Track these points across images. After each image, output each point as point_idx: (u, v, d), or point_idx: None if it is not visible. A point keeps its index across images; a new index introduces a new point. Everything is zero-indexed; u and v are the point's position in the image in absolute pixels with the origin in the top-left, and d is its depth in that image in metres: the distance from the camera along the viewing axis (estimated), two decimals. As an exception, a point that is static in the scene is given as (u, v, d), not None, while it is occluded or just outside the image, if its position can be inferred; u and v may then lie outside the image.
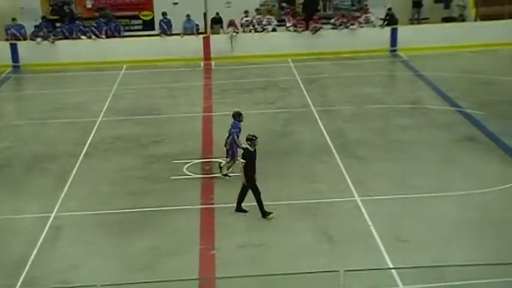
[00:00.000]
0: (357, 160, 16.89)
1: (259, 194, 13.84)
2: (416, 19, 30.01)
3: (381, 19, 28.29)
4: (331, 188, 15.34)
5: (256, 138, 14.03)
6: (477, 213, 13.86)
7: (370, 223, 13.61)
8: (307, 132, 19.00)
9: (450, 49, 27.38)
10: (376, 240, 12.95)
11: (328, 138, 18.36)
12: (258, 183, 13.85)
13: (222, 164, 15.85)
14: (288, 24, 28.14)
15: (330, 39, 27.88)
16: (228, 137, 15.74)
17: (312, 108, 20.99)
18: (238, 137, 15.56)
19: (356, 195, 14.86)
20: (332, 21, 28.41)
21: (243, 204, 14.13)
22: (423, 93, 22.51)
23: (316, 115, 20.29)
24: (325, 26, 28.23)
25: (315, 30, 27.94)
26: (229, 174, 15.86)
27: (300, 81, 24.03)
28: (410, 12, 30.07)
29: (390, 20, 28.22)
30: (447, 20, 29.87)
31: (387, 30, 28.05)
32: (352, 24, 28.17)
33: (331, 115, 20.33)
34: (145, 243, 13.12)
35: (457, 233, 13.04)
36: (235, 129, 15.61)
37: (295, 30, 27.96)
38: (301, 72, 25.18)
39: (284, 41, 27.82)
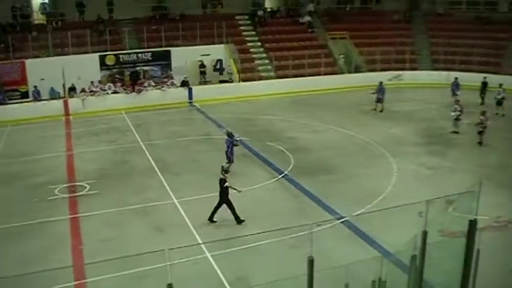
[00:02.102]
0: (173, 175, 16.80)
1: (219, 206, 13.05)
2: (203, 82, 30.52)
3: (181, 84, 28.53)
4: (158, 195, 15.12)
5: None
6: (253, 201, 14.34)
7: (185, 216, 13.63)
8: (138, 159, 18.56)
9: (225, 100, 28.09)
10: (190, 227, 13.01)
11: (153, 162, 18.08)
12: (105, 195, 13.23)
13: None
14: (118, 89, 27.47)
15: (149, 96, 27.48)
16: (227, 150, 16.66)
17: (141, 143, 20.58)
18: (231, 148, 16.60)
19: (174, 199, 14.80)
20: (146, 84, 27.94)
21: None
22: (211, 128, 22.86)
23: (144, 148, 19.92)
24: (146, 88, 27.79)
25: (139, 92, 27.44)
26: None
27: (131, 126, 23.43)
28: (198, 77, 30.56)
29: (186, 83, 28.53)
30: (222, 81, 30.59)
31: (186, 90, 28.26)
32: (163, 87, 28.06)
33: (154, 147, 20.03)
34: (34, 243, 12.16)
35: (253, 212, 13.26)
36: (229, 143, 16.63)
37: (125, 93, 27.26)
38: (132, 120, 24.54)
39: (119, 100, 26.96)
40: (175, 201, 14.60)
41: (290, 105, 27.60)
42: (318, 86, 30.56)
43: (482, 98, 26.14)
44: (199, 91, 28.50)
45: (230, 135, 17.13)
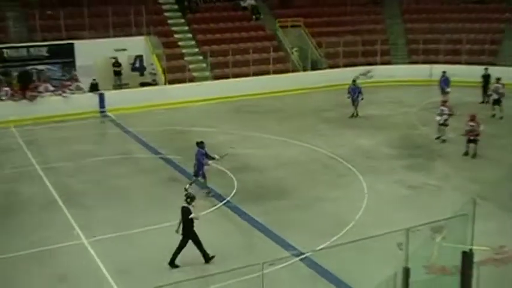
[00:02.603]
0: (82, 209, 16.35)
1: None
2: (119, 85, 30.17)
3: (90, 88, 28.07)
4: (61, 235, 14.61)
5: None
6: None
7: (98, 261, 13.27)
8: (33, 189, 17.89)
9: (147, 108, 27.88)
10: (105, 275, 12.66)
11: (54, 192, 17.52)
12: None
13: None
14: (2, 94, 26.59)
15: (47, 105, 26.76)
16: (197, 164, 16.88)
17: (36, 166, 19.91)
18: (200, 162, 16.79)
19: (84, 239, 14.40)
20: (41, 88, 27.31)
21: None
22: (131, 145, 22.57)
23: (41, 173, 19.29)
24: (41, 94, 27.08)
25: (32, 98, 26.69)
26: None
27: (22, 144, 22.68)
28: (112, 79, 30.15)
29: (96, 87, 28.05)
30: (144, 84, 30.40)
31: (96, 95, 27.78)
32: (65, 92, 27.45)
33: (54, 172, 19.45)
34: None
35: (186, 251, 13.16)
36: (200, 156, 16.81)
37: (13, 100, 26.45)
38: (23, 136, 23.79)
39: (4, 110, 25.98)
40: (85, 241, 14.20)
41: (231, 113, 27.67)
42: (266, 88, 30.93)
43: (487, 96, 26.45)
44: (114, 97, 28.18)
45: (200, 144, 17.12)
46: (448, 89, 26.92)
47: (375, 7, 38.44)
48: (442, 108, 21.88)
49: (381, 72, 33.24)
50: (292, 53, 33.83)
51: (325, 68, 33.60)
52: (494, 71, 27.41)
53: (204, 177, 17.18)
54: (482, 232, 9.79)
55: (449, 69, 28.93)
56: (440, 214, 10.78)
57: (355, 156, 20.46)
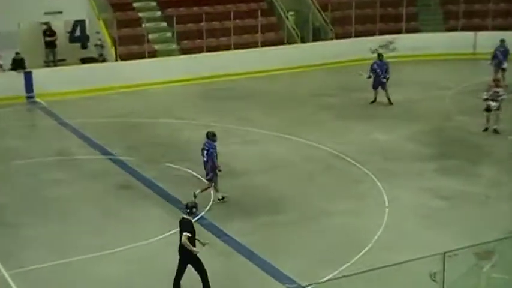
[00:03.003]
0: (4, 228, 16.19)
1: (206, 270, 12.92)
2: (52, 61, 29.99)
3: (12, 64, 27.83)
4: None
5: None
6: (142, 267, 14.10)
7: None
8: None
9: (92, 92, 27.78)
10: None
11: (-36, 205, 17.45)
12: None
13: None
14: None
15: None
16: (206, 161, 17.09)
17: None
18: (212, 158, 17.01)
19: (3, 270, 14.22)
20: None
21: None
22: (70, 142, 22.44)
23: None
24: None
25: None
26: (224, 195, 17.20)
27: None
28: (44, 53, 29.95)
29: (20, 64, 27.80)
30: (86, 60, 30.31)
31: (20, 75, 27.57)
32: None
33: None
34: None
35: (148, 284, 13.16)
36: (211, 149, 17.02)
37: None
38: None
39: None
40: (6, 273, 14.01)
41: (205, 99, 27.67)
42: (253, 66, 30.90)
43: None
44: (46, 78, 28.06)
45: (211, 136, 17.34)
46: (505, 65, 27.27)
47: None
48: (496, 89, 22.04)
49: (407, 43, 33.35)
50: (287, 17, 33.81)
51: (331, 39, 33.61)
52: None
53: (212, 180, 17.30)
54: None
55: (502, 37, 28.88)
56: (488, 234, 10.80)
57: (369, 155, 20.47)
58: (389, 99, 25.92)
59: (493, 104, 21.93)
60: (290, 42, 32.97)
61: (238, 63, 30.79)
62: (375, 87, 26.02)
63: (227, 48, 31.45)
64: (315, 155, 20.77)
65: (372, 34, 33.41)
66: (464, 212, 16.67)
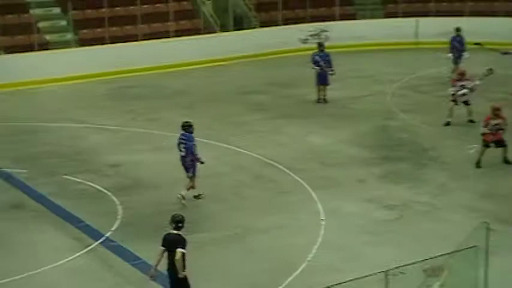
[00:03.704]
0: None
1: None
2: None
3: None
4: None
5: None
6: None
7: None
8: None
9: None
10: None
11: None
12: None
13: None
14: None
15: None
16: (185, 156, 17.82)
17: None
18: (192, 153, 17.83)
19: None
20: None
21: None
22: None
23: None
24: None
25: None
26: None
27: None
28: None
29: None
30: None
31: None
32: None
33: None
34: None
35: None
36: (189, 142, 17.78)
37: None
38: None
39: None
40: None
41: (109, 99, 27.68)
42: (164, 59, 31.10)
43: None
44: None
45: (187, 126, 18.02)
46: (466, 54, 28.00)
47: None
48: (462, 83, 22.86)
49: (342, 31, 33.71)
50: (204, 2, 33.85)
51: (254, 27, 33.77)
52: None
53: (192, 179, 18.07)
54: (500, 271, 9.92)
55: (446, 23, 29.79)
56: (438, 247, 10.95)
57: (304, 161, 20.66)
58: (324, 96, 26.22)
59: (463, 97, 22.82)
60: (208, 31, 33.02)
61: (147, 56, 30.75)
62: (320, 82, 26.25)
63: (133, 39, 31.31)
64: (240, 162, 20.90)
65: (301, 22, 33.68)
66: (410, 224, 16.87)
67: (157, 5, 32.54)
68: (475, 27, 29.91)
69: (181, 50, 31.35)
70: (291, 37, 32.09)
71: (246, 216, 17.49)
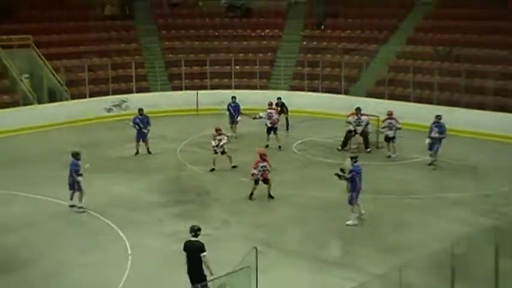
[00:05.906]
0: None
1: None
2: None
3: None
4: None
5: None
6: None
7: None
8: None
9: None
10: None
11: None
12: None
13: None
14: None
15: None
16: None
17: None
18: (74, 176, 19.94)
19: None
20: None
21: None
22: None
23: None
24: None
25: None
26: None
27: None
28: None
29: None
30: None
31: None
32: None
33: None
34: None
35: None
36: (75, 167, 20.22)
37: None
38: None
39: None
40: None
41: None
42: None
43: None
44: None
45: (76, 155, 20.27)
46: (239, 117, 29.00)
47: (125, 21, 39.14)
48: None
49: (139, 102, 33.55)
50: (22, 80, 32.87)
51: (66, 99, 33.16)
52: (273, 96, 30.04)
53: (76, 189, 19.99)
54: (267, 284, 10.17)
55: (222, 95, 30.99)
56: (221, 269, 11.03)
57: (112, 207, 20.40)
58: (142, 150, 26.65)
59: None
60: (26, 103, 32.03)
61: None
62: (138, 139, 26.57)
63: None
64: (57, 211, 20.24)
65: (106, 94, 33.58)
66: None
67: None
68: (243, 98, 30.76)
69: (13, 119, 30.37)
70: (97, 107, 31.70)
71: (62, 256, 16.92)
